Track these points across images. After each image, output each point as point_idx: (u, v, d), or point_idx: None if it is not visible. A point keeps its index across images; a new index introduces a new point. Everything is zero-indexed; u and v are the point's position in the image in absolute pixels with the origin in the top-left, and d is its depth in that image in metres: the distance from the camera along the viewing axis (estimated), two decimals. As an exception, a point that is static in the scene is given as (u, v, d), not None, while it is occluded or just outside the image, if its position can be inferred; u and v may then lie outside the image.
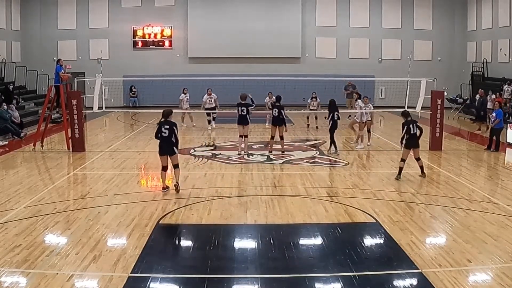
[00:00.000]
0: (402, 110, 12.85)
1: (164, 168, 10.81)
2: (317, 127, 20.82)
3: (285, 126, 15.32)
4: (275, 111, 15.12)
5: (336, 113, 15.29)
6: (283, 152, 15.33)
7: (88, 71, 27.43)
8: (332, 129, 15.28)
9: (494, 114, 15.96)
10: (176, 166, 10.83)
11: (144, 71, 28.06)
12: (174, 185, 10.87)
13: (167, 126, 10.66)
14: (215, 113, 20.66)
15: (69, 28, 29.54)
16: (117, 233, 8.42)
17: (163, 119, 10.82)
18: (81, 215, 9.33)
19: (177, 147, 10.82)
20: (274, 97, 19.84)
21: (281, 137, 15.36)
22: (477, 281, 6.65)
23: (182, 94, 20.99)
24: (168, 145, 10.68)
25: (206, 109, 20.47)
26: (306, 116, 20.94)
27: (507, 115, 20.38)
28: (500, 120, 15.72)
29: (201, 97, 20.76)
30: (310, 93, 21.00)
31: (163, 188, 10.88)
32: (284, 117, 15.07)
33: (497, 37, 26.03)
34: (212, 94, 20.42)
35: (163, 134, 10.66)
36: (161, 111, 11.23)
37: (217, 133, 19.80)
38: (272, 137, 15.32)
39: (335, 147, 15.40)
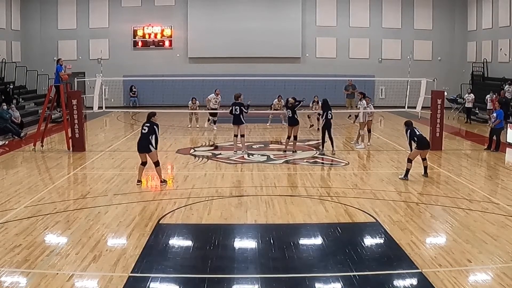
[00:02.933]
0: (406, 120, 12.75)
1: (143, 163, 11.47)
2: (318, 129, 20.76)
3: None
4: (289, 112, 15.24)
5: (330, 112, 15.30)
6: (294, 151, 15.41)
7: (88, 71, 27.42)
8: (324, 128, 15.29)
9: (494, 115, 15.98)
10: (156, 163, 11.36)
11: (144, 71, 28.04)
12: (161, 184, 11.41)
13: (148, 125, 11.33)
14: (216, 115, 20.50)
15: (69, 28, 29.50)
16: (117, 233, 8.42)
17: (145, 120, 11.52)
18: (81, 215, 9.33)
19: (154, 146, 11.26)
20: (283, 100, 19.96)
21: (295, 137, 15.44)
22: (477, 281, 6.65)
23: (190, 102, 20.88)
24: (145, 143, 11.25)
25: (211, 108, 20.38)
26: (308, 116, 20.88)
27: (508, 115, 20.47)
28: (500, 120, 15.75)
29: (202, 96, 20.82)
30: (312, 95, 20.75)
31: (138, 181, 11.51)
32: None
33: (497, 37, 26.03)
34: (219, 96, 20.28)
35: (142, 131, 11.36)
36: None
37: (217, 133, 19.78)
38: (289, 137, 15.44)
39: (322, 146, 15.46)
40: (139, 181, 11.53)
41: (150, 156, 11.31)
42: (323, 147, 15.46)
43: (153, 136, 11.22)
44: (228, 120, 20.02)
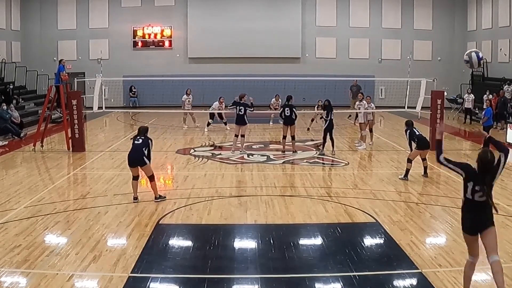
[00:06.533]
0: (406, 120, 12.74)
1: (135, 178, 10.26)
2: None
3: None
4: (287, 110, 15.16)
5: (332, 113, 15.32)
6: (294, 151, 15.39)
7: (88, 71, 27.42)
8: (327, 129, 15.28)
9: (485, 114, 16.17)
10: (151, 178, 10.15)
11: (144, 71, 28.01)
12: (155, 200, 10.16)
13: (142, 137, 10.17)
14: (222, 116, 20.36)
15: (69, 28, 29.50)
16: (117, 233, 8.43)
17: (138, 134, 10.36)
18: (81, 215, 9.33)
19: (148, 159, 10.06)
20: (280, 100, 19.90)
21: (293, 137, 15.39)
22: (477, 281, 6.64)
23: (185, 95, 20.76)
24: (138, 155, 10.00)
25: (212, 113, 20.19)
26: (312, 119, 20.82)
27: (505, 113, 20.56)
28: (488, 118, 15.84)
29: (202, 96, 20.74)
30: (312, 95, 20.84)
31: (134, 198, 10.22)
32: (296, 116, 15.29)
33: (497, 37, 26.02)
34: (223, 104, 19.94)
35: (135, 142, 10.14)
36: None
37: (217, 133, 19.77)
38: (284, 137, 15.38)
39: (323, 147, 15.47)
40: (136, 198, 10.21)
41: (145, 169, 10.08)
42: (323, 147, 15.46)
43: (147, 149, 10.01)
44: (228, 120, 20.16)
